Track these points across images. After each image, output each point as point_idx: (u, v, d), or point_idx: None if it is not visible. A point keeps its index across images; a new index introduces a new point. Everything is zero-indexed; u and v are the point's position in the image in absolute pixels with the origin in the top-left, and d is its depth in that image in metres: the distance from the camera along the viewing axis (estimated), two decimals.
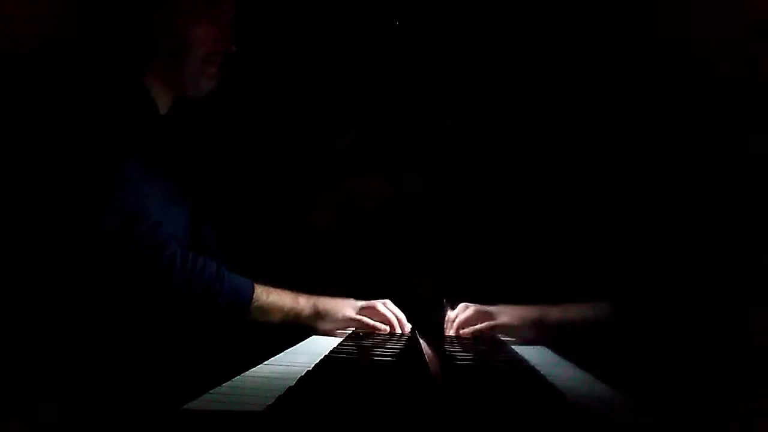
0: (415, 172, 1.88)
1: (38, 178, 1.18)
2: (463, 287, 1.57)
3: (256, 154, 1.90)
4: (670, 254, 1.36)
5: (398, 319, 1.42)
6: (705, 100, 1.32)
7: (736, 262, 1.29)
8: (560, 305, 1.37)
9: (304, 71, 1.88)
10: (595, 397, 0.89)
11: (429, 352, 1.16)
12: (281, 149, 1.91)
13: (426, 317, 1.48)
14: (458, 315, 1.40)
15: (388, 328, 1.40)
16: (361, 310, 1.40)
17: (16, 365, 1.13)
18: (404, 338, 1.33)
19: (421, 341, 1.27)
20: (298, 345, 1.23)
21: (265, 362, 1.02)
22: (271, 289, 1.32)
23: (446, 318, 1.43)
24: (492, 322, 1.36)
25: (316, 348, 1.19)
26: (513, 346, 1.29)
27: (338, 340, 1.28)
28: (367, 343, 1.25)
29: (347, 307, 1.40)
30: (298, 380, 0.84)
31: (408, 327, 1.43)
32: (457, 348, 1.21)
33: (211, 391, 0.80)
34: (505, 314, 1.37)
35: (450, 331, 1.39)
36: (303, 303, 1.36)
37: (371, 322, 1.39)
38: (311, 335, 1.35)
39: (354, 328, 1.40)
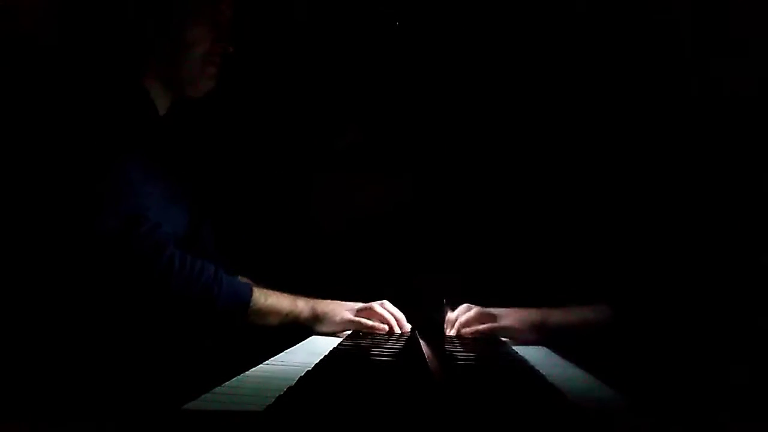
0: (414, 172, 1.88)
1: (38, 179, 1.18)
2: (463, 288, 1.57)
3: (255, 155, 1.90)
4: (670, 256, 1.36)
5: (397, 319, 1.42)
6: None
7: (736, 263, 1.29)
8: (561, 308, 1.37)
9: (304, 71, 1.88)
10: (595, 397, 0.89)
11: (429, 351, 1.16)
12: (281, 149, 1.91)
13: (426, 317, 1.48)
14: (460, 316, 1.40)
15: (387, 328, 1.40)
16: (359, 312, 1.40)
17: (16, 365, 1.14)
18: (404, 338, 1.33)
19: (421, 341, 1.27)
20: (298, 345, 1.23)
21: (265, 362, 1.02)
22: (270, 292, 1.32)
23: (446, 318, 1.43)
24: (493, 324, 1.37)
25: (316, 348, 1.19)
26: (513, 346, 1.29)
27: (338, 340, 1.28)
28: (366, 343, 1.25)
29: (345, 310, 1.40)
30: (298, 380, 0.84)
31: (407, 327, 1.43)
32: (457, 348, 1.22)
33: (211, 391, 0.80)
34: (507, 316, 1.37)
35: (451, 332, 1.39)
36: (301, 306, 1.36)
37: (370, 323, 1.39)
38: (311, 335, 1.35)
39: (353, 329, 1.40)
